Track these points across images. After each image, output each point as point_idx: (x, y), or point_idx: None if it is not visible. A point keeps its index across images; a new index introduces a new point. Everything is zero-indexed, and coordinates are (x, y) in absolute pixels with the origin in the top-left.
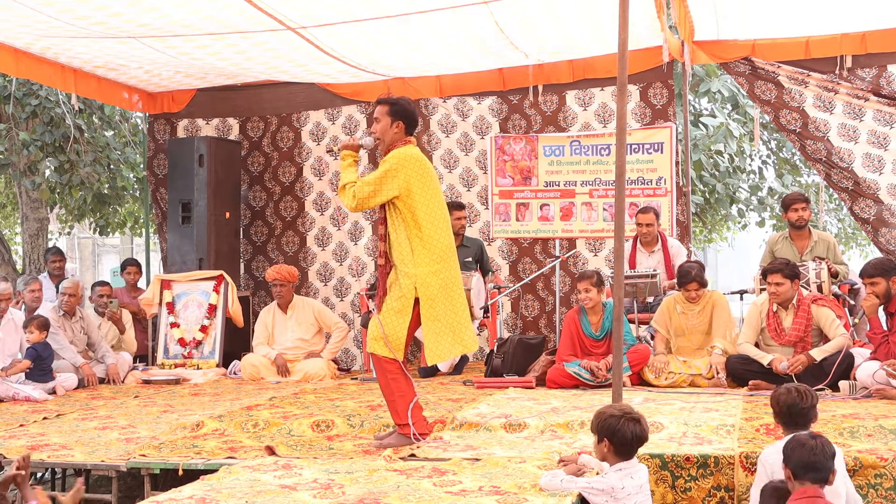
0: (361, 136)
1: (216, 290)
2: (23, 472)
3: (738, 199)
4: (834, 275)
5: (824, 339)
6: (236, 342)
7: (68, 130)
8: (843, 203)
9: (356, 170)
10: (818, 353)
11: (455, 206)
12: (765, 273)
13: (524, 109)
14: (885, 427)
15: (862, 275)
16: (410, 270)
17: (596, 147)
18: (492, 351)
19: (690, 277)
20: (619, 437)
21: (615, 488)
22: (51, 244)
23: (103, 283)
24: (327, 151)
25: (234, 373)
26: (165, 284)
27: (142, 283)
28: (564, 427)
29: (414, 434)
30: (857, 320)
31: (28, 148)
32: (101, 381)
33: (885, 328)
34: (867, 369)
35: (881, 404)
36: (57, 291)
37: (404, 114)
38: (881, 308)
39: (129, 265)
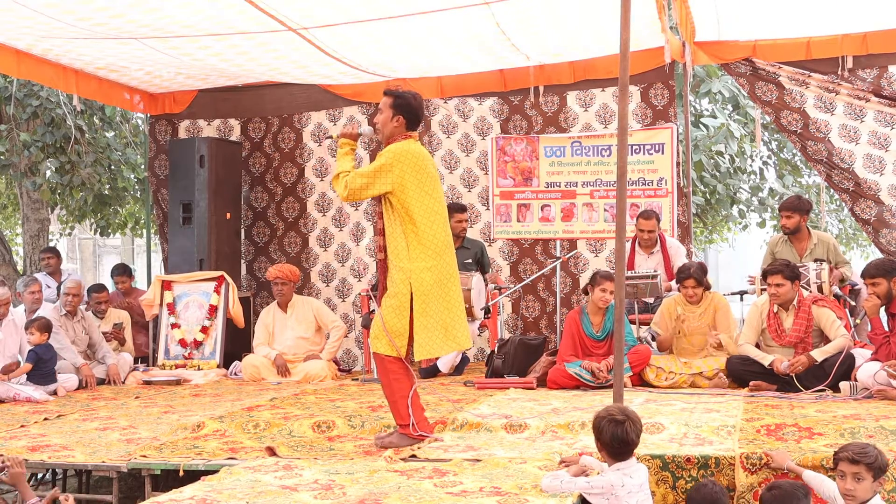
0: (362, 126)
1: (217, 290)
2: (20, 471)
3: (739, 199)
4: (841, 280)
5: (825, 339)
6: (237, 343)
7: (69, 131)
8: (843, 204)
9: (353, 159)
10: (819, 354)
11: (456, 209)
12: (765, 274)
13: (525, 110)
14: (886, 428)
15: (863, 275)
16: (405, 265)
17: (597, 148)
18: (492, 351)
19: (688, 273)
20: (602, 438)
21: (614, 485)
22: (52, 245)
23: (100, 289)
24: (326, 137)
25: (235, 373)
26: (166, 285)
27: (137, 286)
28: (565, 428)
29: (413, 426)
30: (858, 321)
31: (29, 149)
32: (102, 381)
33: (887, 329)
34: (868, 370)
35: (882, 405)
36: (58, 291)
37: (407, 109)
38: (882, 309)
39: (118, 275)
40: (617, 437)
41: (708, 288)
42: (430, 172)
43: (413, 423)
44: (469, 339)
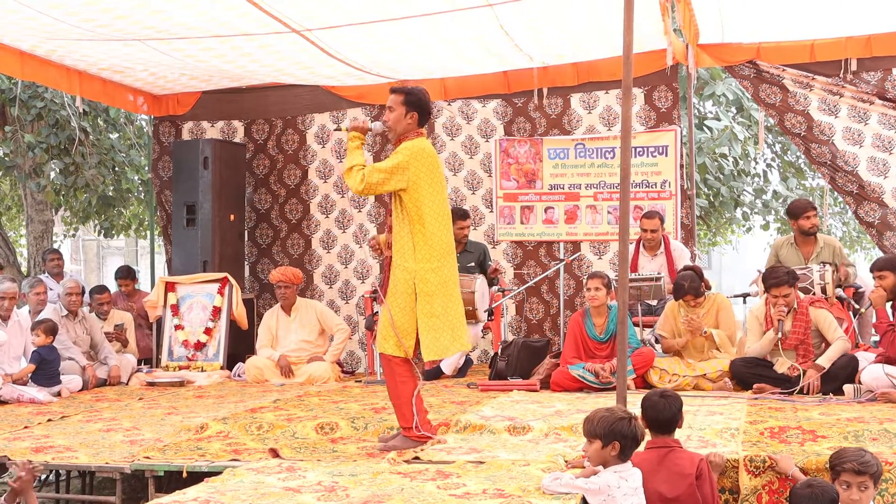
0: (372, 121)
1: (220, 292)
2: (27, 478)
3: (743, 202)
4: (844, 278)
5: (824, 341)
6: (240, 344)
7: (73, 133)
8: (847, 207)
9: (363, 153)
10: (825, 361)
11: (459, 216)
12: (769, 286)
13: (529, 112)
14: (890, 431)
15: (872, 268)
16: (410, 265)
17: (600, 150)
18: (496, 353)
19: (684, 291)
20: (631, 439)
21: (610, 486)
22: (55, 246)
23: (102, 290)
24: (335, 130)
25: (239, 375)
26: (170, 287)
27: (141, 288)
28: (568, 430)
29: (416, 426)
30: (864, 310)
31: (33, 150)
32: (103, 382)
33: (892, 319)
34: (872, 372)
35: (886, 408)
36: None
37: (419, 105)
38: (889, 304)
39: (121, 278)
40: (634, 434)
41: (708, 288)
42: (441, 174)
43: (416, 424)
44: (468, 341)
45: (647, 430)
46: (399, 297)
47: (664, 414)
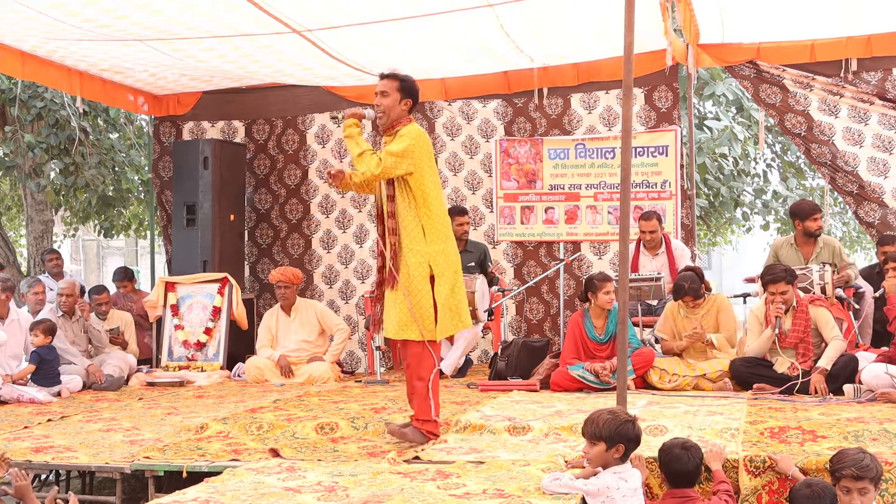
0: (366, 109)
1: (220, 292)
2: (24, 483)
3: (743, 202)
4: (846, 280)
5: (824, 340)
6: (240, 344)
7: (73, 133)
8: (847, 207)
9: (363, 139)
10: (826, 363)
11: (457, 212)
12: (765, 283)
13: (529, 112)
14: (890, 431)
15: (886, 260)
16: (422, 248)
17: (601, 150)
18: (496, 354)
19: (683, 292)
20: (634, 441)
21: (610, 487)
22: (55, 246)
23: (101, 290)
24: (331, 119)
25: (238, 375)
26: (170, 287)
27: (141, 288)
28: (568, 430)
29: (433, 409)
30: (876, 294)
31: (33, 150)
32: (112, 377)
33: None
34: (872, 371)
35: (886, 408)
36: None
37: (412, 91)
38: None
39: (119, 280)
40: (637, 436)
41: (708, 289)
42: (434, 158)
43: (433, 407)
44: (470, 319)
45: (664, 481)
46: (414, 282)
47: (687, 466)
